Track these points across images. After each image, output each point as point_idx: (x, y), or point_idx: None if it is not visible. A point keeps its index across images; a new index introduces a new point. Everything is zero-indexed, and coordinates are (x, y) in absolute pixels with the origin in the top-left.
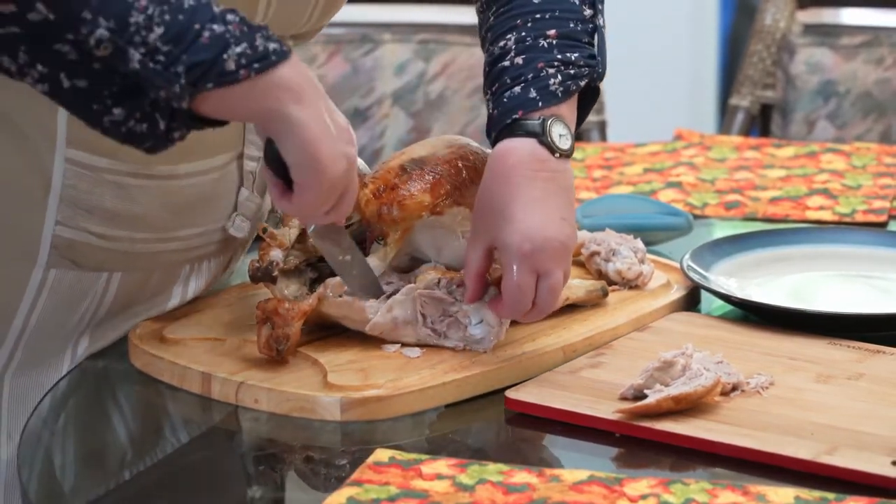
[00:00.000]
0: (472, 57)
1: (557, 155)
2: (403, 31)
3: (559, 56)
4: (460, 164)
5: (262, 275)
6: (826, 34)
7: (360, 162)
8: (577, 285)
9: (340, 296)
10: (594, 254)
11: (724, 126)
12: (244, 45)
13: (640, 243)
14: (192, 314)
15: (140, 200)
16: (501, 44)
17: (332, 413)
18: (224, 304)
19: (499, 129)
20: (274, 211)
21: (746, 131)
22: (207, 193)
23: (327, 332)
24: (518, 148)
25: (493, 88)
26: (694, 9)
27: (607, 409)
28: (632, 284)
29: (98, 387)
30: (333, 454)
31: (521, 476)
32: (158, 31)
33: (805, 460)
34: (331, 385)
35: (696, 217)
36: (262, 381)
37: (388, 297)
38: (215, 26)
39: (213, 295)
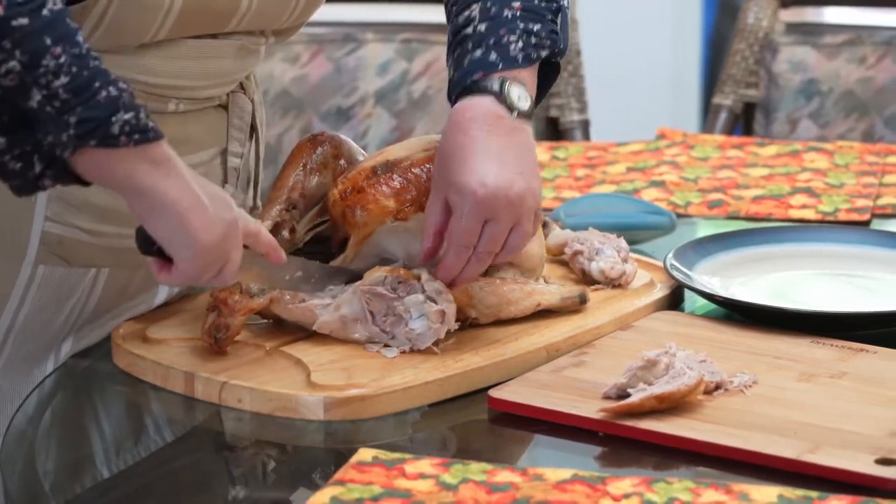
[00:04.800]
0: None
1: (515, 113)
2: (386, 30)
3: (522, 26)
4: (433, 168)
5: None
6: (809, 33)
7: (354, 146)
8: (553, 291)
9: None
10: (577, 253)
11: (707, 125)
12: (131, 113)
13: (623, 242)
14: (175, 314)
15: None
16: (466, 13)
17: (316, 412)
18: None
19: (459, 90)
20: (256, 208)
21: (729, 130)
22: None
23: (310, 331)
24: (477, 104)
25: (455, 54)
26: (677, 8)
27: (590, 409)
28: (615, 283)
29: (82, 387)
30: (317, 454)
31: (504, 475)
32: (64, 79)
33: (788, 459)
34: (314, 384)
35: (679, 216)
36: (246, 380)
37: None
38: (112, 89)
39: (197, 295)
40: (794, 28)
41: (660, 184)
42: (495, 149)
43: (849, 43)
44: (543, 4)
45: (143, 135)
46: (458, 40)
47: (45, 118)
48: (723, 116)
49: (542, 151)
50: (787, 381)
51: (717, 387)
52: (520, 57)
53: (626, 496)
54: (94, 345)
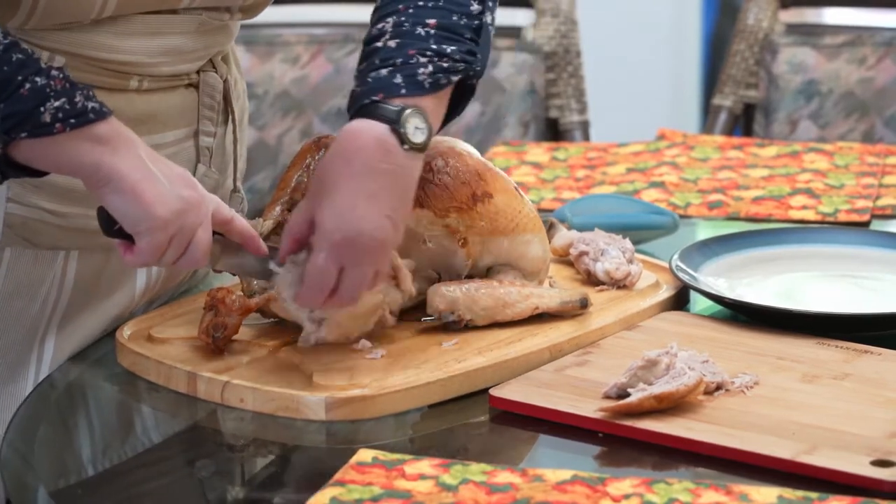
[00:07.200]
0: None
1: (407, 147)
2: None
3: (434, 46)
4: (433, 166)
5: None
6: (808, 34)
7: None
8: (552, 294)
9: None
10: (583, 254)
11: (706, 126)
12: (63, 100)
13: (628, 243)
14: (180, 315)
15: None
16: (380, 25)
17: (317, 412)
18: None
19: (356, 109)
20: (236, 191)
21: (729, 131)
22: None
23: None
24: (368, 130)
25: (361, 67)
26: (677, 9)
27: (590, 408)
28: (620, 284)
29: (81, 388)
30: (317, 454)
31: (504, 476)
32: None
33: (785, 459)
34: (316, 384)
35: (678, 217)
36: (248, 380)
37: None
38: (38, 79)
39: (202, 295)
40: (794, 29)
41: (660, 184)
42: (371, 187)
43: (849, 44)
44: (463, 22)
45: (81, 118)
46: (366, 52)
47: None
48: (723, 117)
49: (543, 152)
50: (790, 382)
51: (718, 387)
52: (427, 83)
53: (626, 497)
54: (91, 346)
